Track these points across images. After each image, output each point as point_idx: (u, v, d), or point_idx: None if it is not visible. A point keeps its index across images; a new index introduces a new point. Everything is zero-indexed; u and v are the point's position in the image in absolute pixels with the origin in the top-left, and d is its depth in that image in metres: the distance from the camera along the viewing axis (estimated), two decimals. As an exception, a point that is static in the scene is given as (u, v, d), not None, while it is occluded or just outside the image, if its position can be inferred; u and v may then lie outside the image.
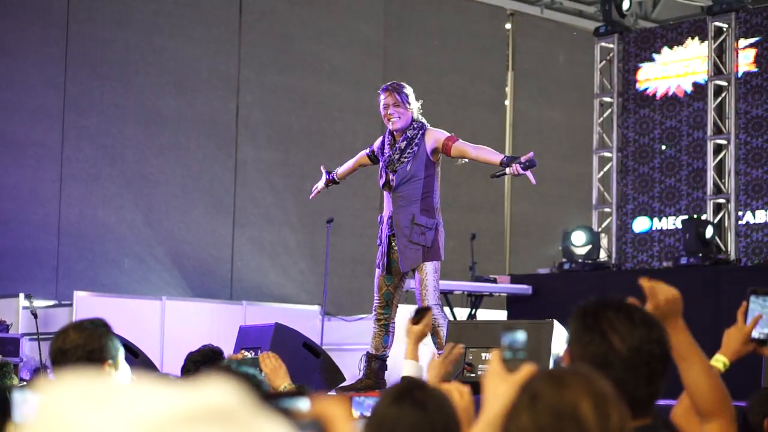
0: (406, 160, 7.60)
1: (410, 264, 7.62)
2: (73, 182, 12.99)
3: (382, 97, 7.77)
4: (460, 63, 16.03)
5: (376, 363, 7.95)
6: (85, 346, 3.87)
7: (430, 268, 7.59)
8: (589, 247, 12.73)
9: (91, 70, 13.18)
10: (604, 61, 14.06)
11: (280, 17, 14.60)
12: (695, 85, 13.23)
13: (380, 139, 7.96)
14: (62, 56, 13.02)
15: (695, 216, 12.68)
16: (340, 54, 15.04)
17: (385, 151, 7.75)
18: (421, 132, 7.65)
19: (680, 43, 13.42)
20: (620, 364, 2.69)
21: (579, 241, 12.74)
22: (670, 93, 13.39)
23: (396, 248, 7.66)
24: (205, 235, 13.80)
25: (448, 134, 7.63)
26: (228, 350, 9.33)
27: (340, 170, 8.35)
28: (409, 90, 7.72)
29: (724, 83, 12.93)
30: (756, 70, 12.72)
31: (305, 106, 14.73)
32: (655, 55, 13.59)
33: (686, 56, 13.37)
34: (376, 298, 7.95)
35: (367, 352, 8.00)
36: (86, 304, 11.18)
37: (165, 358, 10.76)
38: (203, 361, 5.32)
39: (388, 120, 7.69)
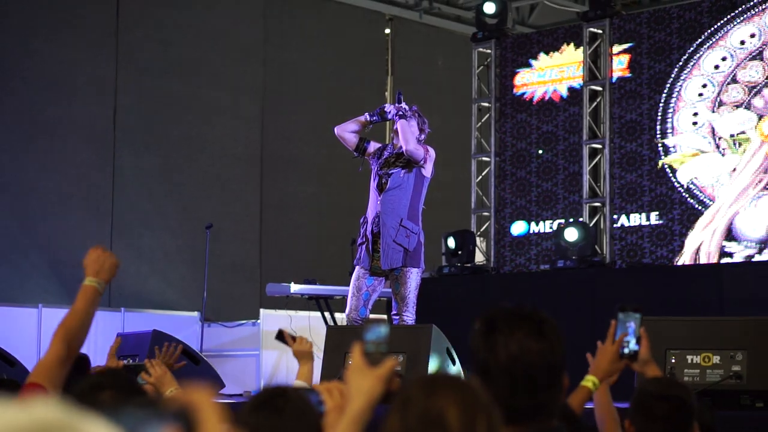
0: (400, 165, 8.08)
1: (391, 263, 7.92)
2: (-54, 188, 12.74)
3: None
4: (340, 68, 16.07)
5: (281, 336, 7.91)
6: None
7: (413, 284, 7.96)
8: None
9: (-37, 75, 12.95)
10: (481, 67, 14.20)
11: (158, 21, 14.48)
12: (571, 90, 13.43)
13: (383, 145, 8.41)
14: (-67, 60, 12.76)
15: (570, 219, 12.88)
16: (219, 59, 14.96)
17: (384, 153, 8.20)
18: None
19: (556, 48, 13.62)
20: (499, 372, 2.69)
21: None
22: (547, 98, 13.58)
23: (380, 249, 7.97)
24: (83, 241, 13.59)
25: (429, 150, 8.25)
26: (105, 358, 9.23)
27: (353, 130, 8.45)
28: (426, 123, 8.38)
29: (599, 88, 13.15)
30: (630, 75, 12.96)
31: (184, 111, 14.63)
32: (531, 61, 13.77)
33: (562, 62, 13.57)
34: (351, 300, 8.07)
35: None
36: (-40, 313, 10.97)
37: (42, 366, 10.59)
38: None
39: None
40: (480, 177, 14.05)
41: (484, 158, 14.00)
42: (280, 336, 4.96)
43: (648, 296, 10.55)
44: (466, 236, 13.07)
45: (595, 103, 13.20)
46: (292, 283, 11.38)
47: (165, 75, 14.48)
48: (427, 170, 8.18)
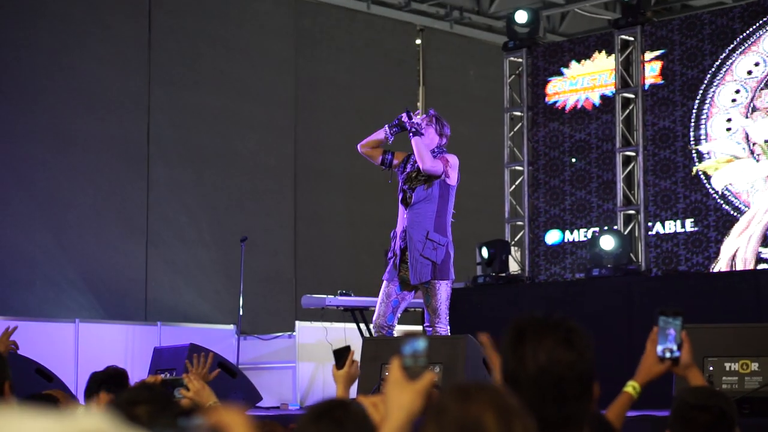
0: (422, 179, 8.04)
1: (419, 277, 7.91)
2: (-18, 205, 12.82)
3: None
4: (372, 79, 16.09)
5: (342, 353, 7.85)
6: None
7: (443, 295, 7.93)
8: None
9: (-2, 91, 13.03)
10: (513, 76, 14.20)
11: (190, 35, 14.54)
12: (603, 97, 13.40)
13: (407, 155, 8.33)
14: (-32, 78, 12.86)
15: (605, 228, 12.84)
16: (251, 71, 15.01)
17: (407, 167, 8.15)
18: (438, 155, 8.11)
19: (588, 56, 13.59)
20: (527, 383, 2.67)
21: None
22: (579, 106, 13.55)
23: (408, 263, 7.96)
24: (119, 256, 13.67)
25: (445, 157, 8.11)
26: (143, 372, 9.27)
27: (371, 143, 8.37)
28: (447, 127, 8.26)
29: (631, 96, 13.11)
30: (662, 82, 12.91)
31: (217, 125, 14.67)
32: (563, 69, 13.75)
33: (594, 69, 13.54)
34: (379, 307, 8.07)
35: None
36: (-2, 329, 11.02)
37: (80, 381, 10.65)
38: (106, 381, 5.30)
39: None
40: (513, 186, 14.03)
41: (518, 167, 13.98)
42: (343, 353, 4.85)
43: (685, 304, 10.43)
44: (500, 246, 13.06)
45: (627, 111, 13.17)
46: (328, 294, 11.40)
47: (197, 88, 14.53)
48: (452, 179, 8.11)
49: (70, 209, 13.37)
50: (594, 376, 2.77)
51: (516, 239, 13.90)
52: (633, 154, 13.04)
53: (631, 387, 3.73)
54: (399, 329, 8.40)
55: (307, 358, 12.05)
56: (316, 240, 15.22)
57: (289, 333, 12.31)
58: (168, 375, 7.72)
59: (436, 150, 8.13)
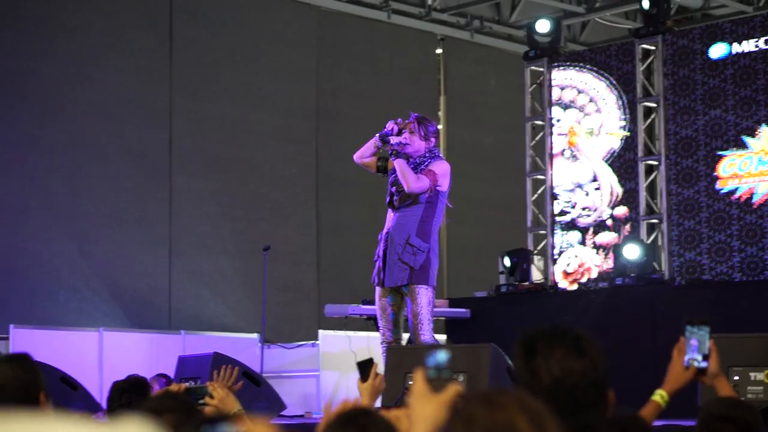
0: None
1: (393, 281, 7.78)
2: (1, 215, 12.86)
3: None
4: (392, 88, 16.10)
5: (366, 366, 7.73)
6: (23, 377, 3.88)
7: (424, 300, 7.75)
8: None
9: (18, 102, 13.07)
10: (534, 85, 14.20)
11: (210, 45, 14.58)
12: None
13: None
14: (-12, 89, 12.93)
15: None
16: (272, 82, 15.05)
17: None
18: (428, 162, 7.94)
19: (608, 66, 13.58)
20: (543, 395, 2.65)
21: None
22: (601, 115, 13.54)
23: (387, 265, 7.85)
24: (142, 266, 13.72)
25: (432, 170, 7.89)
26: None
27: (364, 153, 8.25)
28: (432, 126, 8.07)
29: (653, 104, 13.10)
30: (684, 91, 12.89)
31: (237, 135, 14.71)
32: (584, 78, 13.73)
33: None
34: (380, 323, 7.96)
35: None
36: (22, 338, 11.08)
37: (104, 390, 10.68)
38: (128, 390, 5.32)
39: None
40: (536, 195, 14.03)
41: (539, 176, 13.98)
42: (367, 365, 4.82)
43: (709, 313, 10.43)
44: (523, 255, 13.06)
45: (649, 120, 13.15)
46: (350, 303, 11.41)
47: (218, 99, 14.57)
48: (443, 185, 7.93)
49: (92, 219, 13.41)
50: (608, 383, 2.77)
51: (538, 248, 13.89)
52: (655, 163, 13.02)
53: (659, 396, 3.74)
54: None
55: (331, 366, 12.06)
56: (339, 249, 15.24)
57: (313, 342, 12.32)
58: (192, 383, 7.75)
59: (426, 155, 7.94)
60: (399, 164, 7.82)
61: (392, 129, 7.94)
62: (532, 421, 2.10)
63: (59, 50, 13.39)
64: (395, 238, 7.85)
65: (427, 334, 7.71)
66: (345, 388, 11.91)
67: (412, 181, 7.79)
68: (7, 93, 13.03)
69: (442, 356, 2.58)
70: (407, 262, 7.77)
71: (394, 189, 7.96)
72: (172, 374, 9.30)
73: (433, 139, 8.01)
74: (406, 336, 8.10)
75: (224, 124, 14.60)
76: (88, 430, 1.40)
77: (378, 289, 7.96)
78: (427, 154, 7.97)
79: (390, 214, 7.99)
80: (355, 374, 4.86)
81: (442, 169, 7.93)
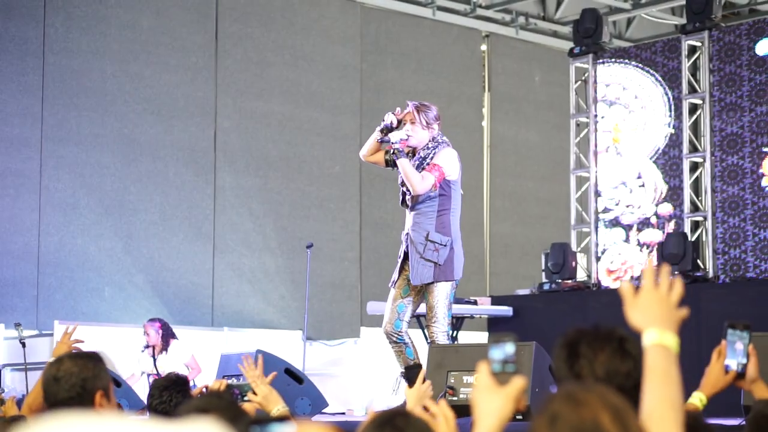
0: None
1: (420, 279, 7.58)
2: (52, 211, 12.98)
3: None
4: (437, 85, 16.09)
5: (413, 372, 7.65)
6: (79, 374, 3.92)
7: (441, 294, 7.58)
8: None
9: (68, 99, 13.19)
10: (579, 81, 14.13)
11: (256, 43, 14.63)
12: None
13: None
14: (39, 86, 13.03)
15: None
16: (316, 79, 15.08)
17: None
18: (434, 152, 7.66)
19: (654, 62, 13.50)
20: None
21: None
22: (646, 112, 13.46)
23: (409, 265, 7.67)
24: (185, 262, 13.79)
25: (436, 164, 7.61)
26: (210, 377, 9.33)
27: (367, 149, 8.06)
28: (432, 112, 7.72)
29: (698, 101, 13.01)
30: (730, 87, 12.80)
31: (283, 132, 14.76)
32: (630, 75, 13.66)
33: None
34: (386, 313, 7.79)
35: (401, 372, 7.80)
36: (67, 334, 11.14)
37: (147, 386, 10.74)
38: (168, 387, 5.33)
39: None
40: (579, 192, 13.96)
41: (583, 173, 13.91)
42: (413, 371, 4.76)
43: (753, 311, 10.40)
44: (566, 252, 13.01)
45: (695, 117, 13.07)
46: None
47: (263, 96, 14.62)
48: (452, 174, 7.65)
49: (137, 215, 13.50)
50: None
51: (582, 245, 13.83)
52: (700, 160, 12.93)
53: (698, 398, 3.72)
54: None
55: (373, 364, 12.06)
56: (382, 246, 15.24)
57: (355, 339, 12.33)
58: (235, 380, 7.77)
59: (430, 144, 7.64)
60: (402, 166, 7.54)
61: (392, 122, 7.67)
62: (616, 418, 2.09)
63: (108, 47, 13.48)
64: (415, 237, 7.62)
65: (440, 329, 7.54)
66: (386, 385, 11.90)
67: (416, 183, 7.52)
68: (60, 90, 13.14)
69: (507, 349, 2.55)
70: (430, 258, 7.56)
71: (404, 188, 7.69)
72: (215, 371, 9.31)
73: (435, 126, 7.69)
74: (409, 331, 7.88)
75: (269, 120, 14.65)
76: (157, 428, 1.40)
77: (392, 290, 7.83)
78: (430, 144, 7.67)
79: (407, 213, 7.74)
80: (397, 370, 4.87)
81: (447, 158, 7.63)
